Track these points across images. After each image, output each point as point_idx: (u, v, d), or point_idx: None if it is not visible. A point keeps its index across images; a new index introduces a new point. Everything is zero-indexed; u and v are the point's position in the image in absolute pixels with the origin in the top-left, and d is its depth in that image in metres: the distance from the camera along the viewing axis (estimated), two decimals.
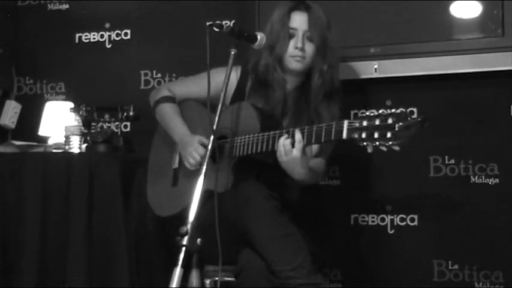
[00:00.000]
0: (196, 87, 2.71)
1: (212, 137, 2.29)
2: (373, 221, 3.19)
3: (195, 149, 2.51)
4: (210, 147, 2.28)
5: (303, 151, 2.30)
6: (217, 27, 2.35)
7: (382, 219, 3.17)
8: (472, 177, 3.07)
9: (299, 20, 2.58)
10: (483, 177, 3.05)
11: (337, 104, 2.64)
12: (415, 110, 3.08)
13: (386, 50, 3.05)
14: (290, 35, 2.57)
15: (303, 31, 2.57)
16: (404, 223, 3.14)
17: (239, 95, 2.62)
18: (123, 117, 3.25)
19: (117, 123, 3.50)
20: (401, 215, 3.14)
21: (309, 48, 2.58)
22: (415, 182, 3.14)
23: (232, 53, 2.38)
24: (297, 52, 2.57)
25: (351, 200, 3.22)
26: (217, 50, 2.37)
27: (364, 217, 3.20)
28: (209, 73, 2.35)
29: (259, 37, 2.48)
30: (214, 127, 2.30)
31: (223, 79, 2.38)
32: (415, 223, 3.12)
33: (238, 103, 2.52)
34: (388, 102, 3.16)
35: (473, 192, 3.06)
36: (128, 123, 3.58)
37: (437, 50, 2.97)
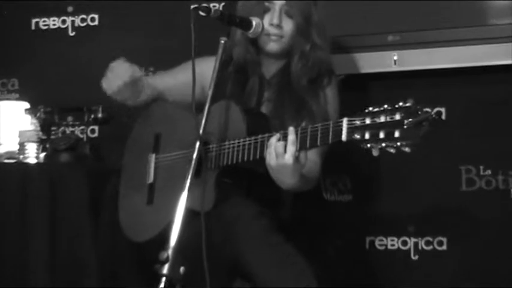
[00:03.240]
0: (172, 79, 2.76)
1: (198, 143, 2.30)
2: (392, 245, 3.20)
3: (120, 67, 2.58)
4: (195, 155, 2.28)
5: (297, 157, 2.28)
6: (203, 11, 2.36)
7: (404, 243, 3.19)
8: None
9: None
10: None
11: (331, 95, 2.65)
12: (443, 110, 3.09)
13: (407, 38, 3.07)
14: (265, 9, 2.61)
15: (281, 5, 2.60)
16: (430, 247, 3.16)
17: (218, 89, 2.55)
18: (90, 119, 3.24)
19: (82, 127, 3.51)
20: (426, 238, 3.16)
21: (288, 25, 2.61)
22: (444, 197, 3.15)
23: (222, 42, 2.40)
24: (273, 29, 2.59)
25: (365, 219, 3.23)
26: (203, 39, 2.35)
27: (382, 240, 3.22)
28: (194, 64, 2.36)
29: (254, 23, 2.52)
30: (201, 131, 2.30)
31: (208, 72, 2.40)
32: (444, 247, 3.14)
33: (220, 103, 2.50)
34: (410, 101, 3.17)
35: None
36: (96, 127, 3.58)
37: (468, 37, 2.99)
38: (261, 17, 2.59)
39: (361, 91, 2.97)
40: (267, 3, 2.61)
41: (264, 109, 2.65)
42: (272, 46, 2.62)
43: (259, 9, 2.60)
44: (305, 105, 2.59)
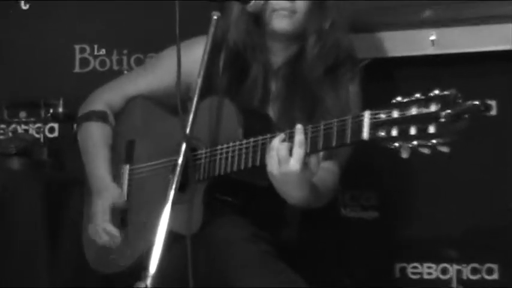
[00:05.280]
0: (145, 79, 2.76)
1: (184, 146, 2.28)
2: (429, 273, 3.19)
3: (103, 218, 2.56)
4: (181, 161, 2.27)
5: (305, 163, 2.25)
6: None
7: (444, 271, 3.18)
8: None
9: None
10: None
11: (355, 92, 2.63)
12: (493, 103, 3.08)
13: (448, 13, 3.06)
14: None
15: None
16: (478, 276, 3.15)
17: (209, 79, 2.53)
18: (48, 116, 3.24)
19: (38, 125, 3.49)
20: (473, 264, 3.15)
21: None
22: (494, 215, 3.12)
23: (215, 17, 2.40)
24: (283, 3, 2.54)
25: (394, 241, 3.21)
26: (191, 15, 2.36)
27: (416, 267, 3.20)
28: (179, 47, 2.34)
29: None
30: (187, 130, 2.29)
31: (193, 59, 2.43)
32: (495, 276, 3.13)
33: (209, 99, 2.48)
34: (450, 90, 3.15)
35: None
36: (56, 126, 3.56)
37: None
38: None
39: (388, 80, 2.95)
40: None
41: (272, 108, 2.62)
42: (282, 24, 2.57)
43: None
44: (321, 103, 2.56)
